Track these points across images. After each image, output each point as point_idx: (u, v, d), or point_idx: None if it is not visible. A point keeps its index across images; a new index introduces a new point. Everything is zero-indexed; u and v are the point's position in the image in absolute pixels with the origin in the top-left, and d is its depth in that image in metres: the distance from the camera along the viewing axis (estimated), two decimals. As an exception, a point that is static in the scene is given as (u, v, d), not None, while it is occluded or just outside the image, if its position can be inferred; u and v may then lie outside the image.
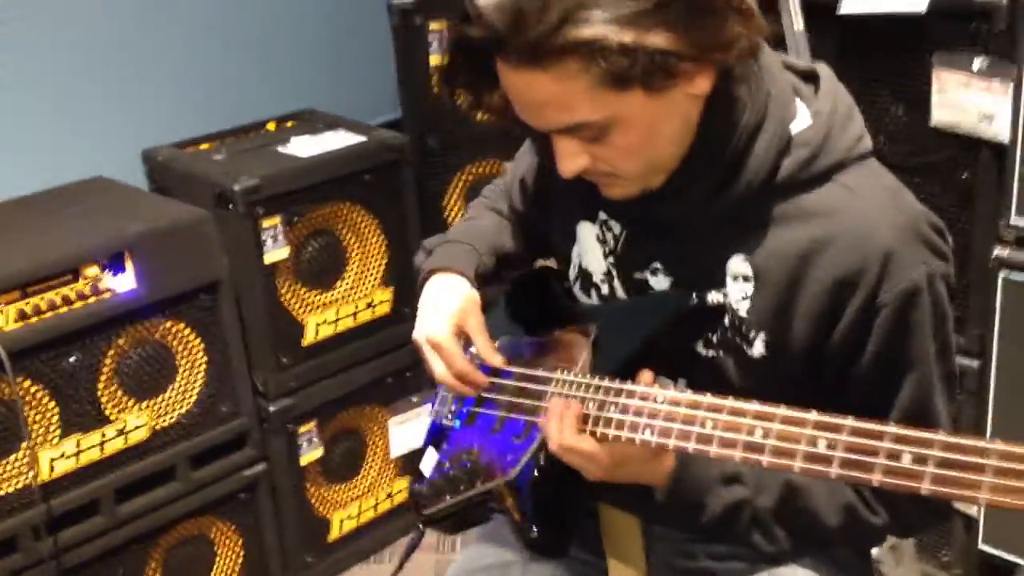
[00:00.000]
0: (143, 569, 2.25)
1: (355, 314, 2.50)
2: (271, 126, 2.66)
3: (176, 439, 2.23)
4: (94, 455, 2.09)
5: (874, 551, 1.43)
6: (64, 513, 2.08)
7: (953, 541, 2.31)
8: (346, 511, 2.62)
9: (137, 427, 2.15)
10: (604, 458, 1.17)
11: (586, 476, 1.21)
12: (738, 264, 1.22)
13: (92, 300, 2.04)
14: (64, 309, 2.01)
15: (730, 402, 1.08)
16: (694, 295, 1.26)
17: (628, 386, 1.18)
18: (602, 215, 1.35)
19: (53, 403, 2.03)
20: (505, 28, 1.06)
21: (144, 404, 2.17)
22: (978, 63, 1.99)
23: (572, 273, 1.43)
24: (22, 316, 1.96)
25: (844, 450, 0.99)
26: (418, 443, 1.50)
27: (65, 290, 2.01)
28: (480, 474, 1.34)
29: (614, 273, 1.35)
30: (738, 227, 1.21)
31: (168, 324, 2.18)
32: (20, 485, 2.00)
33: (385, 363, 2.58)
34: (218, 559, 2.40)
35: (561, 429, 1.18)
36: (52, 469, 2.04)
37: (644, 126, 1.12)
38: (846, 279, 1.17)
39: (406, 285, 2.51)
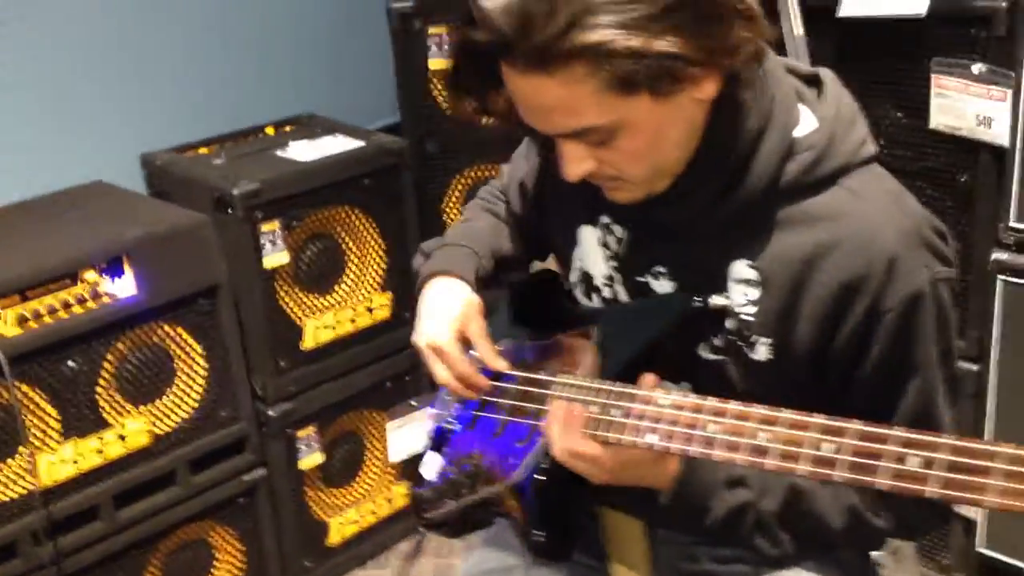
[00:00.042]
0: (142, 574, 2.24)
1: (354, 318, 2.49)
2: (270, 130, 2.65)
3: (175, 444, 2.22)
4: (94, 460, 2.09)
5: (875, 554, 1.42)
6: (64, 518, 2.07)
7: (952, 544, 2.31)
8: (345, 516, 2.62)
9: (136, 432, 2.14)
10: (607, 461, 1.17)
11: (589, 480, 1.20)
12: (742, 268, 1.22)
13: (91, 305, 2.04)
14: (63, 314, 2.00)
15: (734, 406, 1.08)
16: (697, 298, 1.25)
17: (631, 389, 1.17)
18: (604, 218, 1.35)
19: (52, 408, 2.02)
20: (512, 32, 1.06)
21: (143, 409, 2.16)
22: (977, 68, 2.00)
23: (573, 276, 1.42)
24: (21, 321, 1.95)
25: (849, 454, 0.98)
26: (417, 447, 1.50)
27: (64, 295, 2.00)
28: (482, 478, 1.33)
29: (616, 276, 1.35)
30: (742, 231, 1.21)
31: (167, 329, 2.17)
32: (20, 490, 2.00)
33: (384, 367, 2.58)
34: (217, 564, 2.40)
35: (564, 433, 1.18)
36: (52, 474, 2.03)
37: (650, 130, 1.12)
38: (851, 283, 1.17)
39: (405, 289, 2.51)
